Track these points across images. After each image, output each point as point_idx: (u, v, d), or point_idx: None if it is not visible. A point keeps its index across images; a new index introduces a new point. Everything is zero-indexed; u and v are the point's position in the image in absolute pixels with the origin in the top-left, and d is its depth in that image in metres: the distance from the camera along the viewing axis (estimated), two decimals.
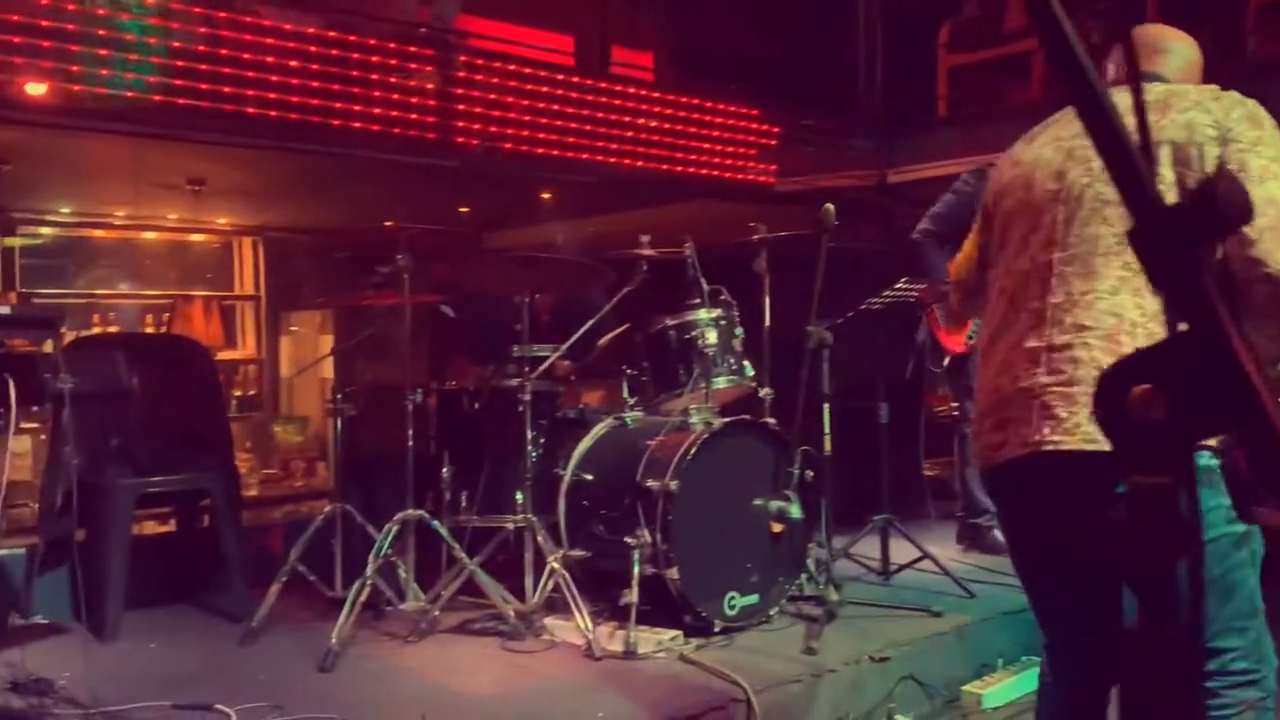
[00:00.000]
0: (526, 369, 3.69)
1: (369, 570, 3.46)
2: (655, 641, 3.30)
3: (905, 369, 4.39)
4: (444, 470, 3.82)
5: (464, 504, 3.78)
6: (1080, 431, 1.82)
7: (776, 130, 6.36)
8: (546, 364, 3.80)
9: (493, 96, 5.24)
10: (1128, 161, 0.69)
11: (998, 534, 4.60)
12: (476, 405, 3.89)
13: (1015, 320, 1.97)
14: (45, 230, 6.85)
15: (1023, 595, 2.15)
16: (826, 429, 3.78)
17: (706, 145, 6.09)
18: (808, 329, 3.74)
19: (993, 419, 1.99)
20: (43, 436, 4.85)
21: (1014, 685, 3.41)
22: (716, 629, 3.45)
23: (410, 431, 3.63)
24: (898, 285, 4.15)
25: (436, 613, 3.54)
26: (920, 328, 4.60)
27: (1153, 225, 0.70)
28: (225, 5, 4.50)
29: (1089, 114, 0.70)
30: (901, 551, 4.19)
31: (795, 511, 3.61)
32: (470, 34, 5.71)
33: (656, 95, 5.92)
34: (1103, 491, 1.57)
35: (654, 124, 5.86)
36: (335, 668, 3.20)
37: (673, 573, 3.39)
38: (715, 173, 6.13)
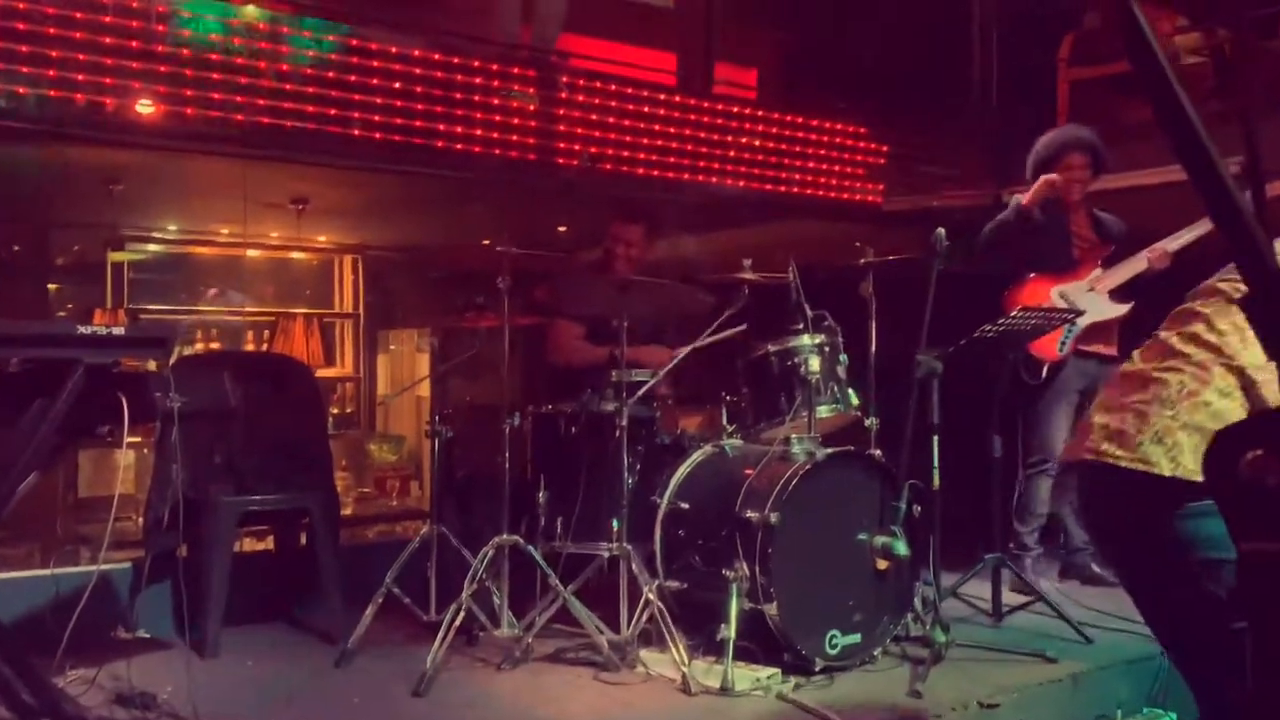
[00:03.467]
0: (623, 394, 3.74)
1: (464, 594, 3.54)
2: (752, 679, 3.31)
3: (1000, 387, 4.34)
4: (540, 495, 3.90)
5: (559, 530, 3.84)
6: (1140, 452, 2.00)
7: (885, 148, 6.33)
8: (645, 388, 3.85)
9: (594, 117, 5.35)
10: (1241, 225, 0.71)
11: (1095, 565, 4.58)
12: (573, 429, 3.95)
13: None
14: (152, 247, 7.17)
15: (1145, 643, 2.15)
16: (935, 461, 3.75)
17: (811, 164, 6.09)
18: (917, 357, 3.73)
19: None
20: (146, 450, 5.07)
21: None
22: (817, 668, 3.44)
23: (506, 454, 3.72)
24: (1015, 313, 4.10)
25: (530, 640, 3.60)
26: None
27: (1265, 292, 0.71)
28: (333, 29, 4.69)
29: (1203, 181, 0.72)
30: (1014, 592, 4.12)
31: (901, 548, 3.60)
32: (572, 54, 5.84)
33: (760, 114, 5.95)
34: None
35: (757, 143, 5.90)
36: (428, 692, 3.28)
37: (772, 608, 3.41)
38: (820, 192, 6.13)
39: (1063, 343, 4.53)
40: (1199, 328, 2.10)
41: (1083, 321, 4.49)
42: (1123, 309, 4.60)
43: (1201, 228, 4.48)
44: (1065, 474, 4.63)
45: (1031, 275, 4.69)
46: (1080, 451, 2.17)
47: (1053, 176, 4.57)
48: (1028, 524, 4.65)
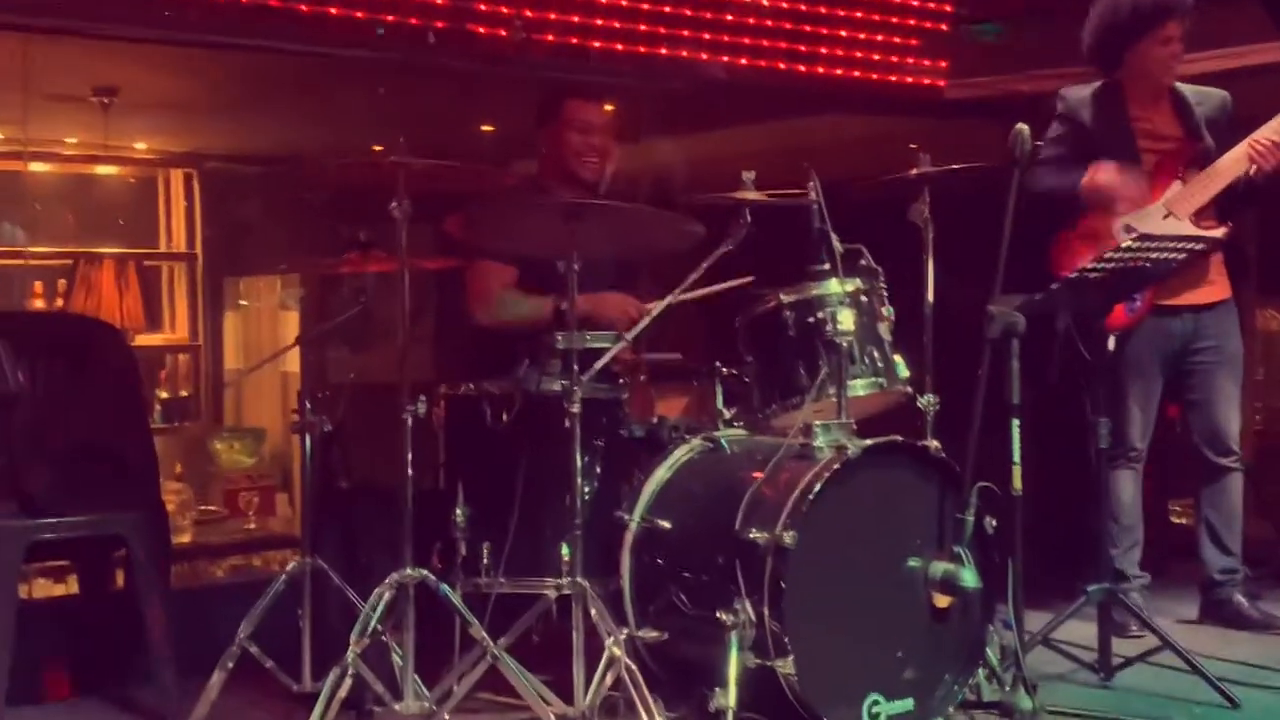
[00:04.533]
0: (575, 367, 3.77)
1: (350, 654, 3.58)
2: None
3: (1049, 370, 4.42)
4: (457, 511, 3.94)
5: (485, 561, 3.89)
6: None
7: (949, 9, 6.37)
8: (607, 357, 3.89)
9: None
10: None
11: (1240, 599, 4.71)
12: (504, 418, 3.99)
13: None
14: None
15: None
16: (1016, 456, 3.82)
17: (842, 31, 6.12)
18: (990, 310, 3.79)
19: None
20: None
21: None
22: None
23: (409, 455, 3.74)
24: (1127, 242, 4.17)
25: (446, 716, 3.65)
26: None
27: None
28: None
29: None
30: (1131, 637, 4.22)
31: (969, 578, 3.67)
32: None
33: None
34: None
35: (765, 2, 5.92)
36: None
37: (786, 664, 3.47)
38: (855, 72, 6.16)
39: (1133, 301, 4.61)
40: None
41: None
42: (1215, 234, 4.66)
43: None
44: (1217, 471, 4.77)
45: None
46: None
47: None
48: (1120, 541, 4.75)
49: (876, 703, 3.60)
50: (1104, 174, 4.71)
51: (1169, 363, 4.79)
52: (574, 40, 5.45)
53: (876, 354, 3.95)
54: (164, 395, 7.71)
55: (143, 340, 7.47)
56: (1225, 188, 4.67)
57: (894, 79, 6.25)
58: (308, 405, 4.14)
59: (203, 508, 7.30)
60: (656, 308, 4.09)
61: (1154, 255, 4.17)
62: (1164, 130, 4.84)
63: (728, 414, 4.14)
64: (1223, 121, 4.83)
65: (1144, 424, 4.79)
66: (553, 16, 5.40)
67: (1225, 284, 4.83)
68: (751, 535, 3.57)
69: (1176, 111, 4.86)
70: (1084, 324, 4.37)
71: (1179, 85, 4.88)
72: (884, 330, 4.00)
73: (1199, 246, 4.39)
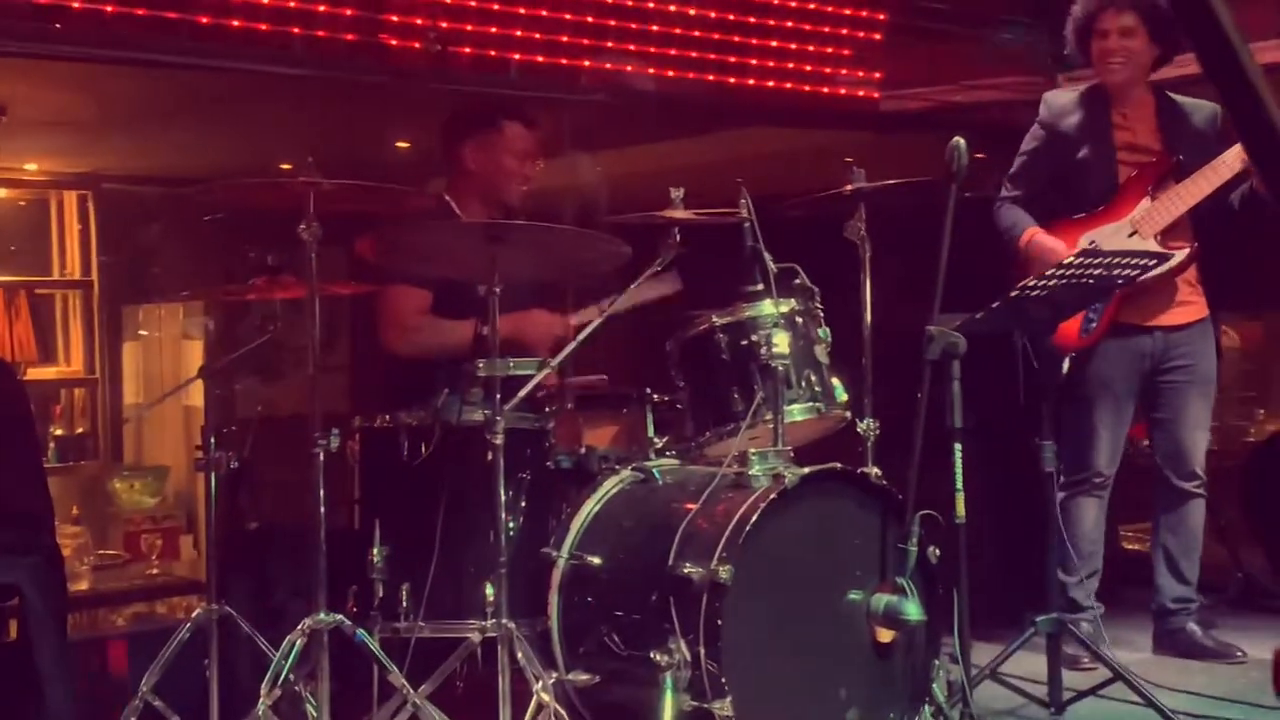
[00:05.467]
0: (498, 395, 3.73)
1: (261, 706, 3.52)
2: None
3: (1015, 393, 4.42)
4: (374, 551, 3.88)
5: (405, 603, 3.84)
6: None
7: (881, 17, 6.40)
8: (531, 384, 3.85)
9: None
10: None
11: (1194, 627, 4.75)
12: (424, 450, 3.95)
13: None
14: None
15: None
16: (959, 482, 3.82)
17: (774, 42, 6.14)
18: (929, 330, 3.78)
19: None
20: None
21: None
22: None
23: (321, 492, 3.70)
24: (1071, 259, 4.18)
25: None
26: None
27: None
28: None
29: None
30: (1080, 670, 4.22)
31: (913, 611, 3.66)
32: None
33: None
34: None
35: (692, 11, 5.92)
36: None
37: (724, 706, 3.44)
38: (787, 84, 6.18)
39: (1089, 321, 4.62)
40: None
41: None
42: (1175, 258, 4.67)
43: None
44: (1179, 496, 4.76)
45: (1061, 215, 4.81)
46: None
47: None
48: (1074, 571, 4.73)
49: None
50: (1038, 246, 4.73)
51: (1141, 382, 4.79)
52: (492, 53, 5.42)
53: (813, 377, 3.95)
54: (59, 432, 7.60)
55: (35, 374, 7.39)
56: (1195, 205, 4.65)
57: (826, 91, 6.26)
58: (213, 441, 4.08)
59: (101, 552, 7.19)
60: (585, 330, 4.03)
61: (1096, 272, 4.19)
62: (1144, 141, 4.82)
63: (659, 442, 4.12)
64: (1211, 135, 4.80)
65: (1112, 448, 4.78)
66: (470, 28, 5.37)
67: (1201, 304, 4.83)
68: (686, 570, 3.54)
69: (1160, 122, 4.84)
70: (1038, 344, 4.40)
71: (1172, 95, 4.87)
72: (821, 353, 3.99)
73: (1153, 264, 4.41)
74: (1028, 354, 4.35)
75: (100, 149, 7.17)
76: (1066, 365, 4.53)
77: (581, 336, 4.01)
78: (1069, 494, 4.76)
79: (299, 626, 3.62)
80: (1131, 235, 4.69)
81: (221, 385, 6.30)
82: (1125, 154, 4.81)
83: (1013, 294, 4.09)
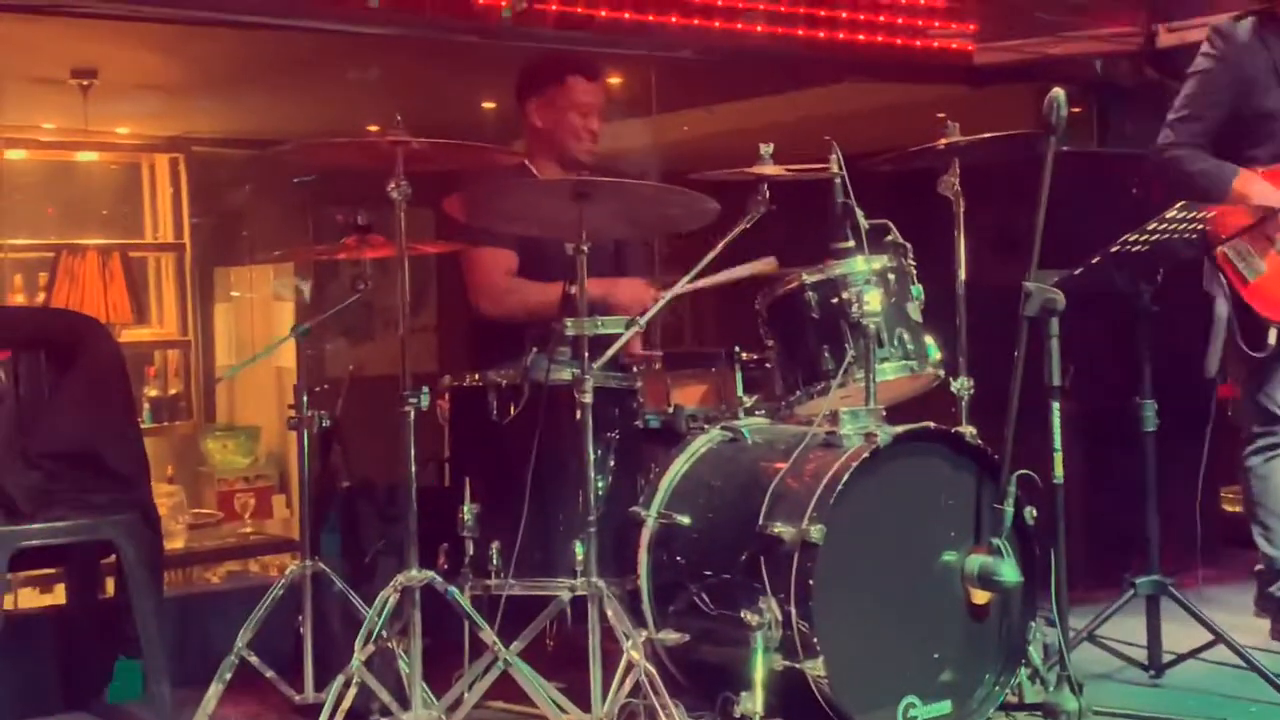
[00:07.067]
0: (586, 354, 3.75)
1: (354, 662, 3.57)
2: None
3: (1209, 361, 4.32)
4: (464, 509, 3.93)
5: (495, 561, 3.88)
6: None
7: None
8: (620, 344, 3.88)
9: None
10: None
11: None
12: (512, 409, 3.97)
13: None
14: None
15: None
16: (1057, 443, 3.80)
17: None
18: (1026, 286, 3.77)
19: None
20: None
21: None
22: None
23: (413, 451, 3.73)
24: (1171, 213, 4.13)
25: None
26: (1218, 291, 4.45)
27: None
28: None
29: None
30: (1181, 633, 4.19)
31: (1009, 572, 3.65)
32: None
33: None
34: None
35: None
36: None
37: (816, 667, 3.45)
38: (878, 38, 6.14)
39: None
40: None
41: None
42: None
43: None
44: None
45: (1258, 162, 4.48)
46: None
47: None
48: (1276, 540, 4.52)
49: (912, 706, 3.59)
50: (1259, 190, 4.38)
51: None
52: (578, 9, 5.42)
53: (906, 335, 3.92)
54: (153, 393, 7.71)
55: (129, 336, 7.47)
56: None
57: (919, 44, 6.21)
58: (304, 401, 4.13)
59: (196, 511, 7.32)
60: (671, 292, 4.06)
61: (1197, 227, 4.12)
62: None
63: (748, 401, 4.11)
64: None
65: None
66: None
67: None
68: (776, 530, 3.55)
69: None
70: (1244, 315, 4.29)
71: None
72: (913, 310, 3.97)
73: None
74: (1231, 324, 4.29)
75: (190, 112, 7.26)
76: (1274, 336, 4.34)
77: (668, 296, 4.04)
78: (1265, 457, 4.57)
79: (391, 583, 3.66)
80: None
81: (313, 345, 6.39)
82: None
83: (1113, 248, 4.05)
